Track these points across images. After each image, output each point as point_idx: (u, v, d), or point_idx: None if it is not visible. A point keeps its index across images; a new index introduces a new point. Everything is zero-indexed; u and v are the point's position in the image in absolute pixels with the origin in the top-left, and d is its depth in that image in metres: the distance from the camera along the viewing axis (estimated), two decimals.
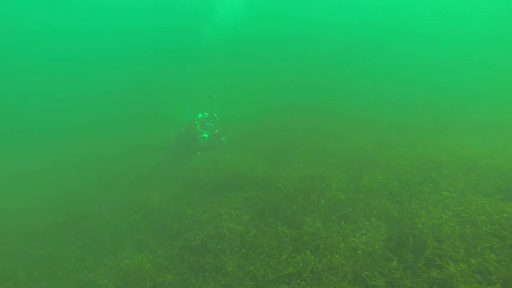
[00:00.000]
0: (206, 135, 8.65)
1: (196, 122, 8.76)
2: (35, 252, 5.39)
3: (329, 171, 5.40)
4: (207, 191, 6.18)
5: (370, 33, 24.34)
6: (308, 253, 3.74)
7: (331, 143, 8.17)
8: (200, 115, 8.91)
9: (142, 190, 7.21)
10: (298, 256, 3.85)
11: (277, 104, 12.77)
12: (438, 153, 5.93)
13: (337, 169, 5.78)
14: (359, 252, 3.52)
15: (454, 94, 12.29)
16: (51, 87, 19.69)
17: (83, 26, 26.84)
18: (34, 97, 18.75)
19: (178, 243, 4.74)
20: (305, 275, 3.50)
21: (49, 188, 8.67)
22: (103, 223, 5.82)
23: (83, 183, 8.27)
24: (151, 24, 28.09)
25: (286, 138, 8.96)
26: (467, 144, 6.67)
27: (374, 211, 4.26)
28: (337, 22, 26.90)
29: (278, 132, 9.78)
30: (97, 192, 7.51)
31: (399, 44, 22.04)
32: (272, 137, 9.20)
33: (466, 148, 6.35)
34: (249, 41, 23.85)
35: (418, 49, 20.56)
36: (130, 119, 14.30)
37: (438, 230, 3.43)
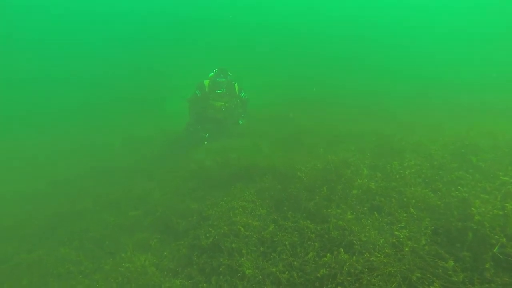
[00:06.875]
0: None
1: (205, 82, 7.62)
2: (25, 256, 4.80)
3: (354, 157, 4.80)
4: (215, 183, 5.58)
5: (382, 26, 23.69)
6: (342, 251, 3.15)
7: (344, 130, 7.59)
8: (210, 73, 7.69)
9: (140, 185, 6.61)
10: (328, 255, 3.26)
11: (283, 95, 12.15)
12: (471, 136, 5.31)
13: (359, 155, 5.19)
14: (406, 249, 2.93)
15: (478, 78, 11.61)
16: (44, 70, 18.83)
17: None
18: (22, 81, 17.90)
19: (186, 242, 4.15)
20: (341, 278, 2.92)
21: (38, 184, 8.05)
22: (100, 221, 5.23)
23: (76, 177, 7.65)
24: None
25: (294, 128, 8.37)
26: (498, 129, 6.06)
27: (413, 201, 3.67)
28: (350, 17, 26.27)
29: (284, 122, 9.18)
30: (92, 187, 6.90)
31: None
32: (279, 126, 8.60)
33: (500, 132, 5.74)
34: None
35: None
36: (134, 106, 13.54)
37: (504, 223, 2.84)
